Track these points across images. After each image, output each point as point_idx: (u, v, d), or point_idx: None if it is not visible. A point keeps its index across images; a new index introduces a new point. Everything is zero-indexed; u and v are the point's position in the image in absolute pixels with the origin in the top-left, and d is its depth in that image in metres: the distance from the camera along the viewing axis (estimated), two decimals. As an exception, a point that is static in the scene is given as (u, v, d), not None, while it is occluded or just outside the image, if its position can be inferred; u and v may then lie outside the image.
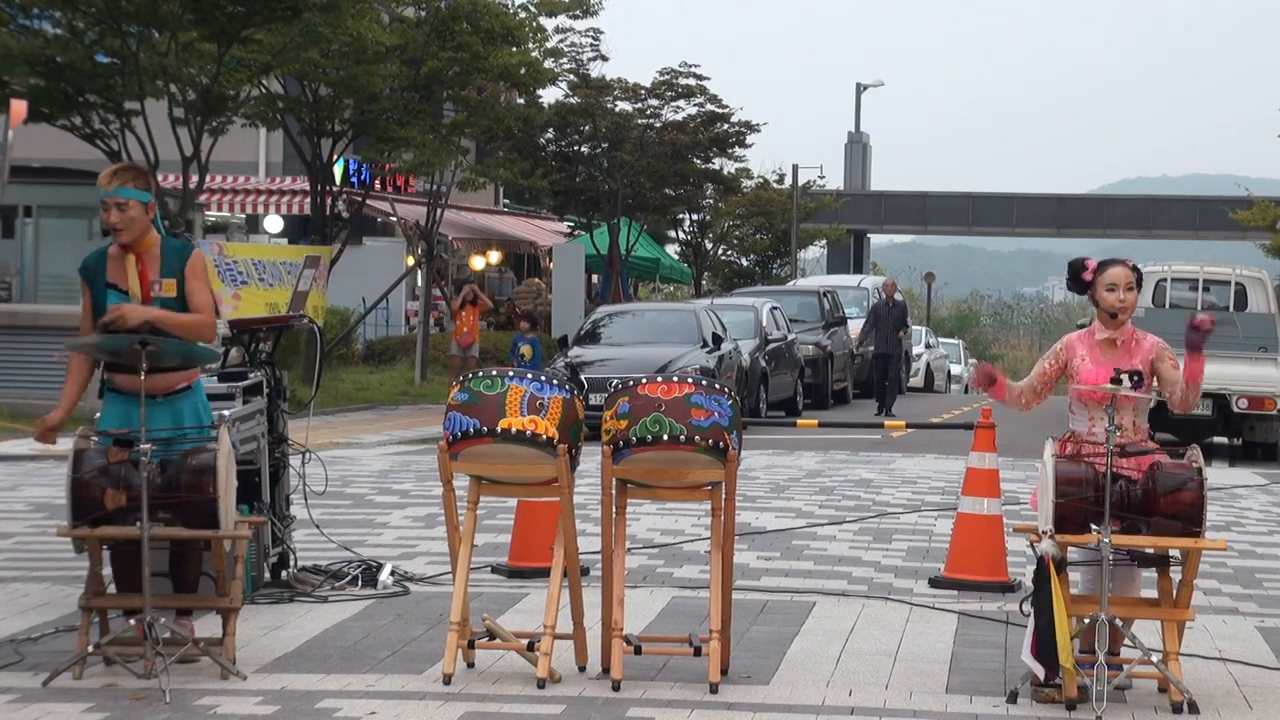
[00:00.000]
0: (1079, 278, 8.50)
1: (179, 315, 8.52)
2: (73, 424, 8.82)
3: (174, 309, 8.53)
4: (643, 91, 44.78)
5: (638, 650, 8.41)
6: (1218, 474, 20.16)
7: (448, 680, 8.15)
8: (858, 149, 75.24)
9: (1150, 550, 8.23)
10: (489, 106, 33.46)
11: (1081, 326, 8.68)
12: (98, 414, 8.83)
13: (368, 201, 37.41)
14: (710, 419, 8.13)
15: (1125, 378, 8.14)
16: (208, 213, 38.57)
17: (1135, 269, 8.48)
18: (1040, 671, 7.94)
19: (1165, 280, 24.71)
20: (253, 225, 41.50)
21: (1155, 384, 8.44)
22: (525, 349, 29.29)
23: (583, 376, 23.77)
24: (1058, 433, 8.49)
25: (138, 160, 25.88)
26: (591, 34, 42.60)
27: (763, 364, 28.91)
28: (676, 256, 55.97)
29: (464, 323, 32.38)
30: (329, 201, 31.88)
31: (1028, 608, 8.02)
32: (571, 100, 43.31)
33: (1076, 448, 8.31)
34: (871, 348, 32.62)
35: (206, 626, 8.90)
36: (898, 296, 32.29)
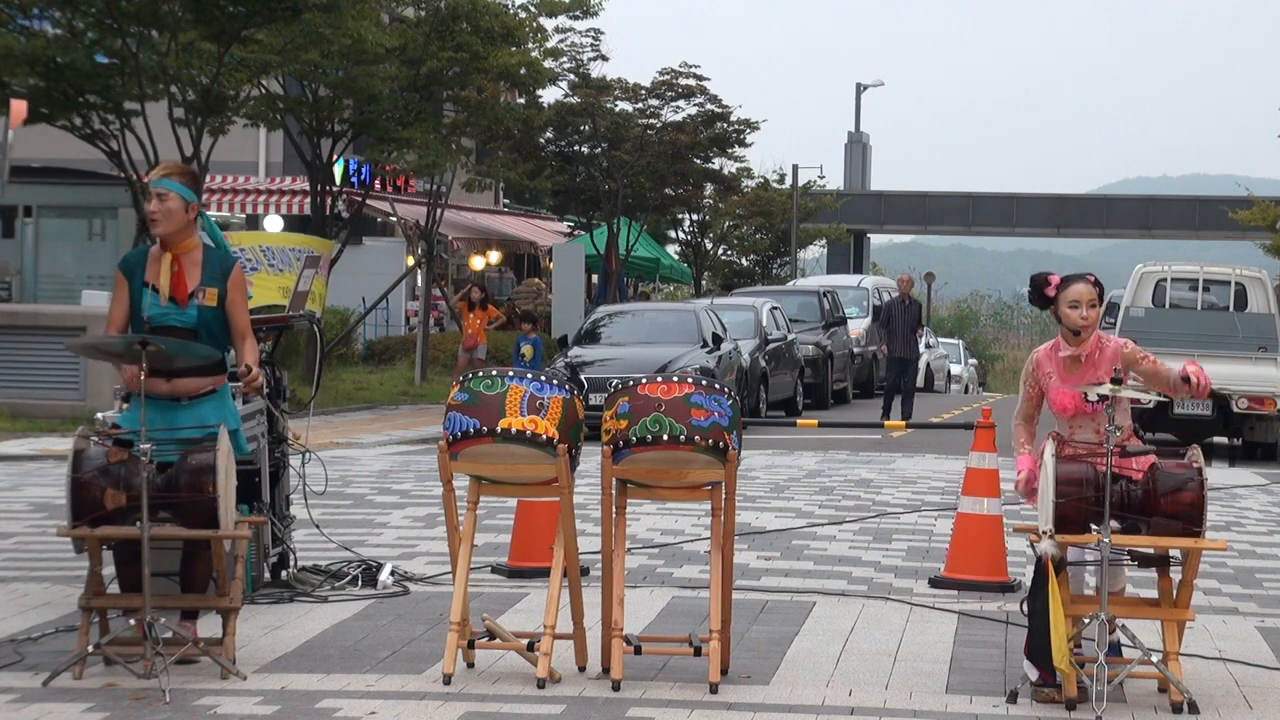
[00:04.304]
0: (1042, 293, 8.49)
1: (249, 352, 8.63)
2: (73, 424, 8.83)
3: (212, 319, 8.56)
4: (643, 91, 44.79)
5: (638, 650, 8.41)
6: (1218, 474, 20.15)
7: (448, 680, 8.15)
8: (858, 149, 75.24)
9: (1150, 550, 8.24)
10: (489, 107, 33.46)
11: None
12: (101, 414, 8.84)
13: (368, 201, 37.42)
14: (710, 419, 8.13)
15: (1094, 393, 8.12)
16: (208, 213, 38.56)
17: (1097, 283, 8.48)
18: (1034, 673, 7.95)
19: (1165, 280, 24.69)
20: (253, 225, 41.47)
21: (1143, 383, 8.46)
22: (526, 349, 29.30)
23: (583, 376, 23.77)
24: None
25: (138, 161, 25.92)
26: (591, 34, 42.66)
27: (763, 364, 28.91)
28: (676, 256, 55.97)
29: (469, 324, 32.41)
30: (329, 201, 31.88)
31: (1026, 607, 8.03)
32: (571, 100, 43.31)
33: (1060, 451, 8.33)
34: (884, 348, 30.79)
35: (206, 626, 8.90)
36: (913, 295, 31.40)
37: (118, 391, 9.25)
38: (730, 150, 46.90)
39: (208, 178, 29.66)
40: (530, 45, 33.87)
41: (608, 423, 8.25)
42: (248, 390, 8.79)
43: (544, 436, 8.16)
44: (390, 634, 9.36)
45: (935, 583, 11.23)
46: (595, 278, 47.24)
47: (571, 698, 8.00)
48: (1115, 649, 8.28)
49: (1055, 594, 7.86)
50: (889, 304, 30.62)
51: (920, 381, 45.17)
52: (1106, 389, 8.05)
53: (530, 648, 8.34)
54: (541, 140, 43.83)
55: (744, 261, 60.57)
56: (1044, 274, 8.53)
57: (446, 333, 39.12)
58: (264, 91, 30.29)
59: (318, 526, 11.69)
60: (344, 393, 30.49)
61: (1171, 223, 69.59)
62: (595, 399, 20.17)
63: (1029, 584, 8.15)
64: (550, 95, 42.78)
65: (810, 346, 32.81)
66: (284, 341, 11.86)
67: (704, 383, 8.26)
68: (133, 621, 8.32)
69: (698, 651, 8.34)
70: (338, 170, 33.97)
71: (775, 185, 56.72)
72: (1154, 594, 8.42)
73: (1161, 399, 8.66)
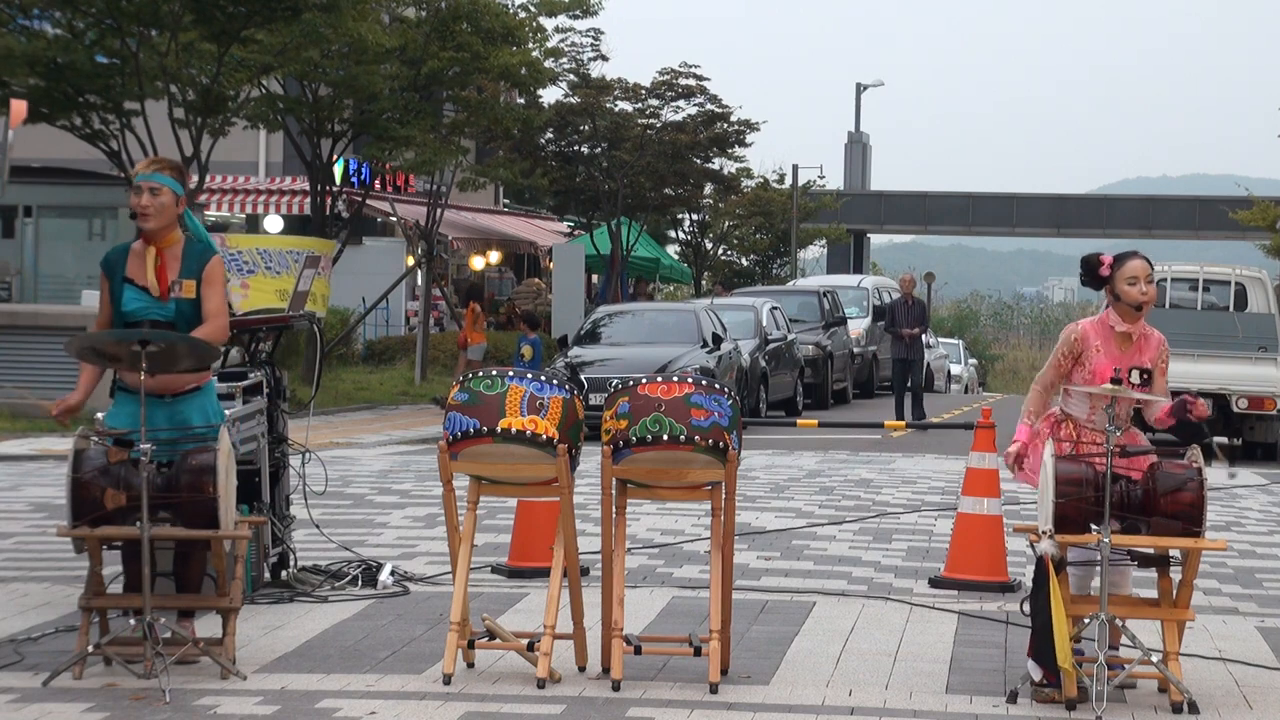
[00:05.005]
0: (1095, 273, 8.49)
1: (189, 336, 8.50)
2: (74, 424, 8.82)
3: (190, 311, 8.54)
4: (643, 91, 44.77)
5: (638, 650, 8.41)
6: (1218, 474, 20.14)
7: (448, 680, 8.15)
8: (858, 149, 75.22)
9: (1150, 550, 8.24)
10: (489, 107, 33.47)
11: None
12: (100, 414, 8.83)
13: (368, 201, 37.42)
14: (710, 419, 8.13)
15: (1137, 374, 8.15)
16: (208, 213, 38.59)
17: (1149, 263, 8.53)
18: (1038, 674, 7.95)
19: (1165, 280, 24.68)
20: (253, 225, 41.50)
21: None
22: (526, 349, 29.31)
23: (583, 376, 23.78)
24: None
25: (138, 160, 25.93)
26: (592, 34, 42.64)
27: (763, 364, 28.90)
28: (676, 256, 55.96)
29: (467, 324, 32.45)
30: (329, 201, 31.89)
31: (1027, 608, 8.03)
32: (571, 100, 43.31)
33: (1072, 432, 8.35)
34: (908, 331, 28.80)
35: (206, 626, 8.90)
36: (915, 293, 30.71)
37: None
38: (730, 150, 46.88)
39: (208, 178, 29.64)
40: (530, 45, 33.86)
41: (608, 423, 8.25)
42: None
43: (544, 436, 8.16)
44: (390, 634, 9.36)
45: (935, 583, 11.23)
46: (595, 278, 47.19)
47: (571, 698, 8.00)
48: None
49: (1056, 594, 7.86)
50: (892, 304, 30.06)
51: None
52: (1107, 387, 8.06)
53: (530, 648, 8.34)
54: (541, 140, 43.82)
55: (744, 261, 60.54)
56: (1096, 254, 8.55)
57: (446, 333, 39.13)
58: (264, 91, 30.29)
59: (318, 526, 11.69)
60: (344, 393, 30.49)
61: (1171, 223, 69.57)
62: (595, 399, 20.17)
63: (1029, 584, 8.15)
64: (550, 95, 42.82)
65: (810, 346, 32.78)
66: (284, 341, 11.84)
67: (704, 383, 8.25)
68: (132, 622, 8.33)
69: (698, 651, 8.34)
70: (338, 170, 33.96)
71: (775, 185, 56.69)
72: (1154, 594, 8.41)
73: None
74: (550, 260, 45.36)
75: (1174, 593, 8.16)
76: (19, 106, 23.23)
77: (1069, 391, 8.51)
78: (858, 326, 37.70)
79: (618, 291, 43.56)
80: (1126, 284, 8.39)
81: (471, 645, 8.42)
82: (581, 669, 8.50)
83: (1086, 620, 8.03)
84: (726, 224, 54.68)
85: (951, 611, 10.29)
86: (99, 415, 8.88)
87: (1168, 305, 24.56)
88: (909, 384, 28.62)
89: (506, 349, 35.88)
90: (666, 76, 45.06)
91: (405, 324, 42.43)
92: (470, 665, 8.55)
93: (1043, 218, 71.48)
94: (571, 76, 43.08)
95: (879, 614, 10.23)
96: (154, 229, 8.57)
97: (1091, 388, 8.24)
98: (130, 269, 8.61)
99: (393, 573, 10.92)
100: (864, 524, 14.38)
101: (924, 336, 28.92)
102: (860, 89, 73.57)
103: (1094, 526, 7.98)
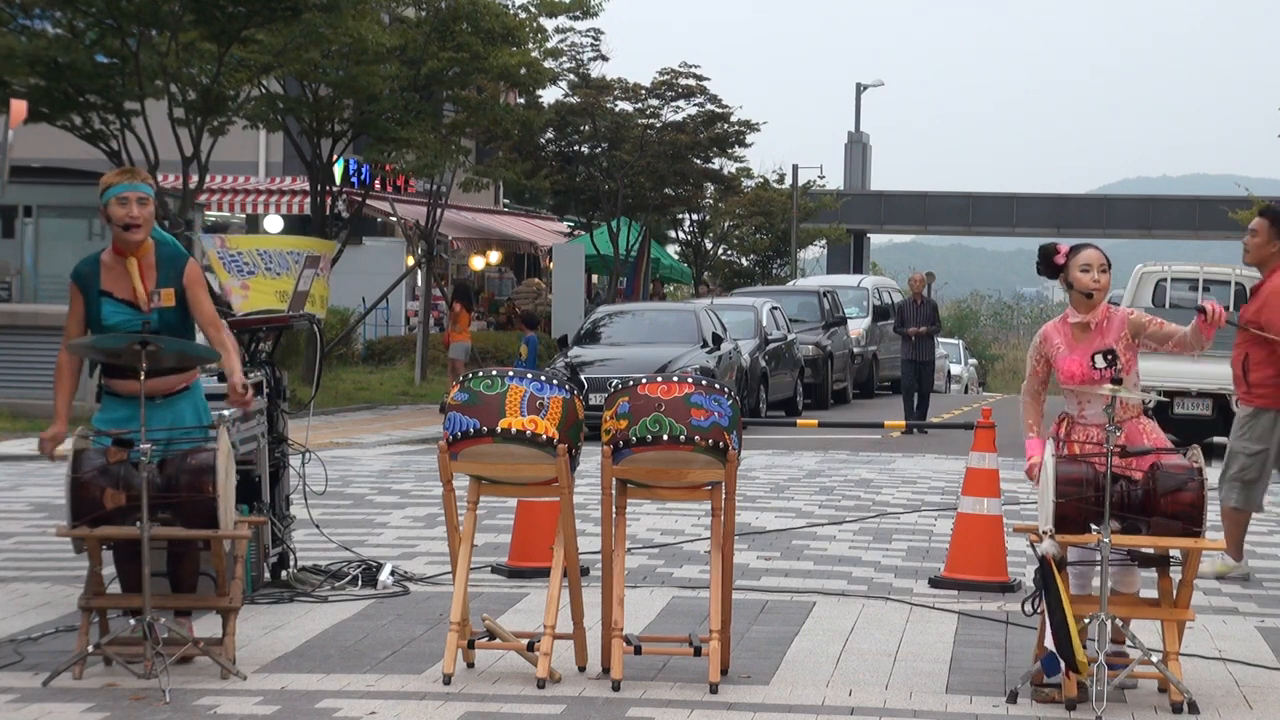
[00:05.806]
0: (1051, 261, 8.53)
1: (230, 352, 8.57)
2: (72, 425, 8.81)
3: (172, 319, 8.51)
4: (643, 91, 44.79)
5: (638, 650, 8.41)
6: (1218, 474, 20.09)
7: (448, 680, 8.16)
8: (858, 149, 75.22)
9: (1150, 550, 8.24)
10: (489, 107, 33.48)
11: None
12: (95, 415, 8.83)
13: (368, 201, 37.43)
14: (710, 419, 8.13)
15: (1100, 358, 8.12)
16: (208, 213, 38.59)
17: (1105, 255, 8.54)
18: (1056, 669, 7.92)
19: (1165, 280, 24.67)
20: (253, 225, 41.50)
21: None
22: (522, 348, 29.33)
23: (583, 376, 23.77)
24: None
25: (138, 160, 25.93)
26: (592, 34, 42.65)
27: (763, 364, 28.89)
28: (676, 256, 55.96)
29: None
30: (329, 201, 31.89)
31: (1030, 608, 8.04)
32: (571, 100, 43.32)
33: (1070, 431, 8.35)
34: (919, 330, 27.58)
35: (206, 626, 8.90)
36: (926, 293, 29.55)
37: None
38: (730, 150, 46.89)
39: (208, 178, 29.66)
40: (530, 45, 33.87)
41: (608, 423, 8.25)
42: (235, 403, 8.72)
43: (544, 436, 8.16)
44: (390, 634, 9.37)
45: (935, 583, 11.23)
46: (595, 278, 47.12)
47: (571, 698, 8.00)
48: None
49: (1064, 591, 7.86)
50: (902, 304, 29.47)
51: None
52: (1107, 388, 8.04)
53: (530, 648, 8.34)
54: (541, 140, 43.82)
55: (744, 261, 60.53)
56: (1053, 243, 8.58)
57: (447, 332, 39.16)
58: (264, 91, 30.30)
59: (318, 526, 11.69)
60: (344, 393, 30.49)
61: (1171, 223, 69.58)
62: (595, 399, 20.16)
63: (1029, 584, 8.15)
64: (550, 95, 42.83)
65: (810, 346, 32.78)
66: (284, 341, 11.85)
67: (704, 383, 8.25)
68: (132, 622, 8.33)
69: (698, 651, 8.34)
70: (338, 170, 33.97)
71: (775, 185, 56.69)
72: (1154, 594, 8.42)
73: (1162, 399, 8.66)
74: (550, 260, 45.36)
75: (1174, 593, 8.17)
76: (19, 106, 23.23)
77: (1069, 392, 8.52)
78: (858, 326, 37.69)
79: (637, 292, 43.55)
80: (1079, 271, 8.41)
81: (471, 645, 8.43)
82: (581, 669, 8.50)
83: (1086, 620, 8.03)
84: (726, 224, 54.68)
85: (951, 611, 10.29)
86: (96, 418, 8.87)
87: (1168, 305, 24.55)
88: (916, 385, 27.79)
89: (507, 349, 35.89)
90: (666, 77, 45.07)
91: (405, 324, 42.45)
92: (470, 665, 8.55)
93: (1043, 218, 71.47)
94: (571, 77, 43.10)
95: (879, 614, 10.23)
96: (143, 239, 8.54)
97: (1091, 388, 8.23)
98: (106, 281, 8.53)
99: (393, 573, 10.92)
100: (864, 524, 14.38)
101: (935, 337, 28.39)
102: (860, 89, 73.58)
103: (1094, 526, 7.98)
